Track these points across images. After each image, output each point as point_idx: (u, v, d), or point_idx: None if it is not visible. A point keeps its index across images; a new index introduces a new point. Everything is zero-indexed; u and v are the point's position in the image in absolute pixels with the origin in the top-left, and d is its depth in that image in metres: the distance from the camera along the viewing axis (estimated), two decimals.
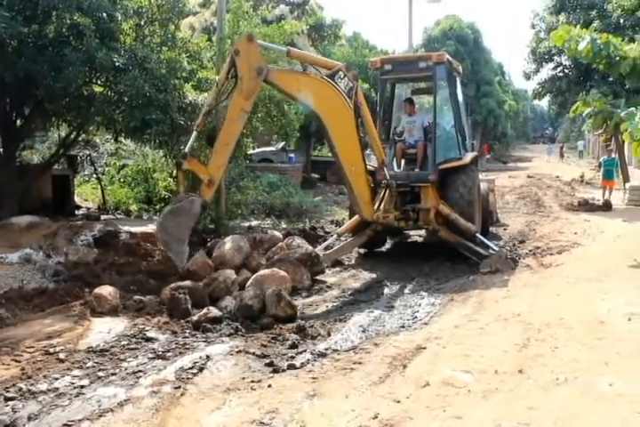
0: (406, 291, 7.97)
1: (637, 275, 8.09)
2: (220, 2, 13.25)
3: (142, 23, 11.21)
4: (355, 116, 8.69)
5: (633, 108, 7.34)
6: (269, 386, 4.70)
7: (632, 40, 9.86)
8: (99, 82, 10.67)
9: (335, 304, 7.41)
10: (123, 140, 14.41)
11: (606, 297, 6.95)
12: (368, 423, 4.01)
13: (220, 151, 8.22)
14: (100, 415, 4.21)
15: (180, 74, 10.93)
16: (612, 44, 9.75)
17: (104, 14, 10.12)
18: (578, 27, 11.41)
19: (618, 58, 9.73)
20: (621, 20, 17.11)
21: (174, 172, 12.27)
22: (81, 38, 9.83)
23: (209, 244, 9.45)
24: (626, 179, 19.19)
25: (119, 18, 10.59)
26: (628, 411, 4.07)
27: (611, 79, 16.09)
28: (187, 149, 8.26)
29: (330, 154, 22.20)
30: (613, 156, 18.38)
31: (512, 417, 4.05)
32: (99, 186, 15.15)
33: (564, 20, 18.43)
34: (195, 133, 8.43)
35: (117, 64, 9.89)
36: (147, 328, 6.19)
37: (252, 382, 4.80)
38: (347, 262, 9.88)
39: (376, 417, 4.08)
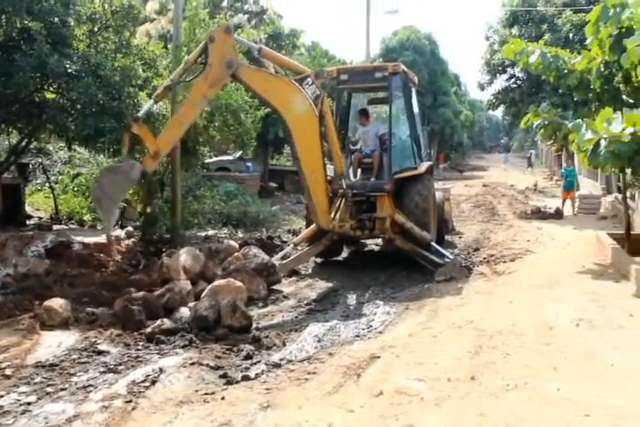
0: (362, 300, 8.01)
1: (585, 281, 8.33)
2: (177, 9, 13.14)
3: (96, 29, 11.04)
4: (320, 124, 8.71)
5: (579, 120, 7.55)
6: (223, 398, 4.66)
7: (580, 54, 10.18)
8: (51, 88, 10.45)
9: (291, 314, 7.41)
10: (77, 148, 14.14)
11: (556, 304, 7.13)
12: None
13: (173, 128, 8.21)
14: None
15: (135, 81, 10.79)
16: (561, 58, 10.07)
17: (56, 19, 9.92)
18: (530, 41, 11.79)
19: (566, 71, 10.05)
20: (570, 35, 17.68)
21: None
22: (32, 43, 9.62)
23: (164, 254, 9.33)
24: (577, 188, 19.71)
25: (72, 23, 10.39)
26: (574, 414, 4.17)
27: (561, 91, 16.57)
28: (140, 114, 8.21)
29: (288, 163, 22.23)
30: (571, 166, 18.28)
31: (463, 424, 4.11)
32: (51, 195, 14.80)
33: (516, 33, 18.95)
34: (152, 102, 8.48)
35: (70, 71, 9.69)
36: (98, 341, 6.09)
37: (206, 394, 4.76)
38: (303, 272, 9.88)
39: None
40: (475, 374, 4.99)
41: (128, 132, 8.15)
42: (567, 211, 16.66)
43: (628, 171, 9.11)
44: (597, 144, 6.81)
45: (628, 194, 11.25)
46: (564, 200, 17.48)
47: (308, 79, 8.55)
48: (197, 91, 8.19)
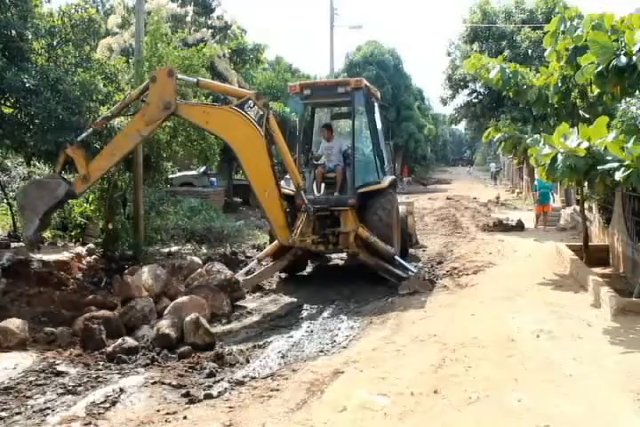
0: (326, 315, 8.02)
1: (545, 292, 8.48)
2: (138, 23, 13.07)
3: (55, 43, 10.88)
4: (267, 143, 8.80)
5: (537, 135, 7.74)
6: (185, 418, 4.59)
7: (538, 70, 10.45)
8: (7, 103, 10.26)
9: (255, 330, 7.36)
10: (37, 163, 13.88)
11: (517, 315, 7.23)
12: None
13: (105, 157, 8.66)
14: None
15: (96, 96, 10.67)
16: (520, 74, 10.33)
17: (13, 32, 9.78)
18: (490, 57, 12.07)
19: (525, 86, 10.30)
20: (529, 51, 18.14)
21: (90, 197, 11.91)
22: None
23: (126, 271, 9.18)
24: (536, 200, 20.08)
25: (30, 37, 10.25)
26: (534, 424, 4.23)
27: (520, 106, 16.98)
28: (79, 138, 8.69)
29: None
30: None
31: None
32: (9, 212, 14.46)
33: (477, 49, 19.36)
34: (90, 130, 8.82)
35: (28, 85, 9.54)
36: (57, 362, 5.95)
37: (167, 414, 4.69)
38: (267, 287, 9.85)
39: None
40: (438, 388, 5.02)
41: (64, 153, 8.65)
42: (531, 224, 16.74)
43: (585, 184, 9.34)
44: (554, 159, 6.96)
45: (585, 206, 11.54)
46: (537, 215, 16.77)
47: (250, 102, 8.66)
48: (133, 125, 8.61)
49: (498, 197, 25.12)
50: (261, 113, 8.66)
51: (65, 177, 9.00)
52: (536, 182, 16.54)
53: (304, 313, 8.15)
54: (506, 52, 17.93)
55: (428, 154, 48.50)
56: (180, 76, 8.97)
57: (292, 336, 6.95)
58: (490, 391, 4.89)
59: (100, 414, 4.69)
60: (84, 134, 8.80)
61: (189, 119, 9.13)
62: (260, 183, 8.81)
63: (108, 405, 4.86)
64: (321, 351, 6.35)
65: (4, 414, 4.69)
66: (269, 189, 8.82)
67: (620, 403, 4.60)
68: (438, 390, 4.97)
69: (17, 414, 4.70)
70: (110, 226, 11.40)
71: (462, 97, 21.69)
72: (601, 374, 5.20)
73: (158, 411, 4.76)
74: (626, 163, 6.41)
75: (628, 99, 8.77)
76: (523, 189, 27.06)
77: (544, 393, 4.83)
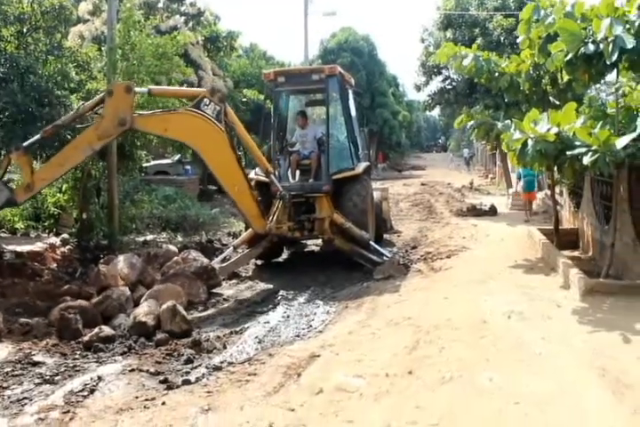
0: (302, 300, 8.10)
1: (517, 275, 8.67)
2: (110, 11, 12.89)
3: (25, 30, 10.71)
4: (229, 137, 8.85)
5: (508, 121, 7.87)
6: (163, 403, 4.65)
7: (510, 58, 10.56)
8: None
9: (232, 317, 7.42)
10: None
11: (489, 298, 7.38)
12: None
13: (52, 167, 8.44)
14: None
15: (68, 84, 10.54)
16: (493, 61, 10.44)
17: None
18: (462, 44, 12.14)
19: (497, 74, 10.42)
20: (502, 39, 18.27)
21: (63, 186, 11.80)
22: None
23: (101, 261, 9.16)
24: (509, 185, 20.37)
25: None
26: (505, 403, 4.37)
27: (493, 92, 17.14)
28: (25, 144, 8.34)
29: None
30: None
31: (401, 418, 4.24)
32: None
33: (450, 36, 19.43)
34: (39, 136, 8.42)
35: None
36: (33, 352, 5.95)
37: (146, 400, 4.74)
38: (244, 274, 9.89)
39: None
40: (412, 369, 5.14)
41: (6, 159, 8.39)
42: (504, 209, 16.87)
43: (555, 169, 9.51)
44: (525, 144, 7.09)
45: (557, 191, 11.74)
46: (525, 202, 15.82)
47: (205, 100, 8.64)
48: (84, 138, 8.37)
49: (471, 183, 25.37)
50: (218, 109, 8.63)
51: (7, 182, 8.69)
52: (520, 170, 15.58)
53: (280, 299, 8.20)
54: (479, 40, 18.02)
55: (403, 140, 48.64)
56: (138, 89, 8.89)
57: (268, 322, 7.03)
58: (462, 371, 5.02)
59: (78, 402, 4.71)
60: (31, 140, 8.46)
61: (147, 130, 9.22)
62: (229, 179, 8.88)
63: (86, 393, 4.89)
64: (297, 336, 6.44)
65: None
66: (238, 182, 8.88)
67: (586, 379, 4.76)
68: (412, 371, 5.09)
69: None
70: (84, 216, 11.35)
71: (436, 83, 21.79)
72: (569, 353, 5.37)
73: (137, 398, 4.80)
74: (593, 148, 6.58)
75: (597, 85, 8.94)
76: (496, 175, 27.36)
77: (514, 372, 4.97)
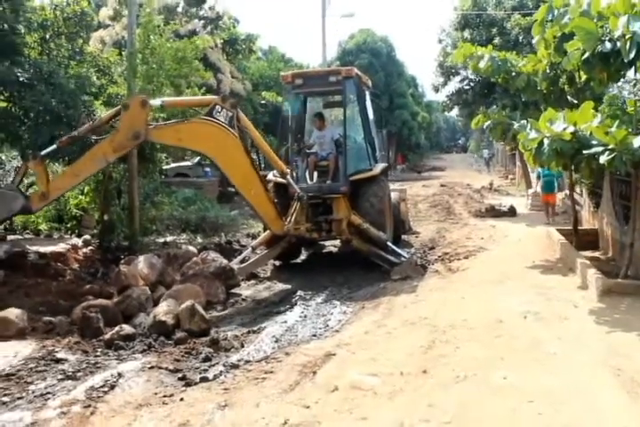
0: (319, 300, 8.16)
1: (534, 276, 8.66)
2: (130, 16, 13.09)
3: (48, 37, 10.95)
4: (243, 142, 9.00)
5: (524, 121, 7.87)
6: (181, 399, 4.74)
7: (527, 57, 10.53)
8: (1, 97, 10.34)
9: (250, 316, 7.50)
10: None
11: (506, 298, 7.41)
12: None
13: (67, 177, 8.68)
14: None
15: (90, 89, 10.76)
16: (509, 61, 10.43)
17: (5, 26, 9.84)
18: (480, 44, 12.13)
19: (514, 73, 10.41)
20: (520, 38, 18.16)
21: (85, 189, 12.01)
22: None
23: (122, 261, 9.31)
24: (528, 185, 20.24)
25: (22, 31, 10.31)
26: (519, 401, 4.39)
27: (512, 92, 17.06)
28: (43, 153, 8.57)
29: None
30: None
31: (414, 415, 4.28)
32: None
33: (467, 36, 19.35)
34: (55, 146, 8.67)
35: (21, 79, 9.62)
36: (56, 349, 6.07)
37: (164, 396, 4.83)
38: (262, 275, 9.98)
39: (285, 423, 4.22)
40: (426, 368, 5.18)
41: (24, 166, 8.63)
42: (524, 209, 16.79)
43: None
44: (541, 143, 7.10)
45: (577, 190, 11.68)
46: (546, 206, 15.03)
47: (217, 107, 8.74)
48: (100, 150, 8.54)
49: (491, 184, 25.26)
50: (230, 115, 8.75)
51: (23, 190, 8.93)
52: (539, 169, 14.73)
53: (298, 299, 8.25)
54: (496, 40, 17.95)
55: (422, 141, 48.57)
56: (154, 102, 9.01)
57: (285, 321, 7.10)
58: (477, 370, 5.05)
59: (99, 397, 4.83)
60: (47, 149, 8.65)
61: (162, 141, 9.43)
62: (245, 184, 8.98)
63: (106, 389, 4.99)
64: (314, 335, 6.50)
65: (5, 399, 4.82)
66: (254, 187, 9.00)
67: (600, 378, 4.78)
68: (427, 370, 5.13)
69: (19, 398, 4.84)
70: (106, 217, 11.54)
71: (454, 84, 21.70)
72: (584, 352, 5.38)
73: (156, 394, 4.91)
74: (610, 146, 6.56)
75: (619, 83, 8.87)
76: (516, 175, 27.18)
77: (529, 371, 5.00)
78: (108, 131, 9.19)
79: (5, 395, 4.91)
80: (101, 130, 9.16)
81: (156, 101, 9.20)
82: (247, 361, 5.65)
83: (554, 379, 4.79)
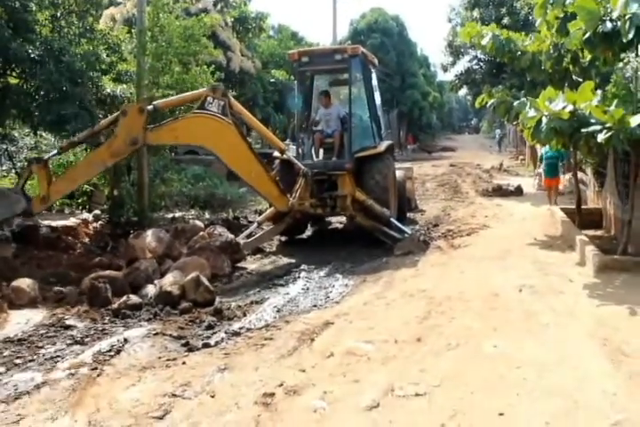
0: (322, 274, 8.35)
1: (534, 252, 8.80)
2: None
3: (59, 14, 11.06)
4: (239, 128, 9.19)
5: (524, 99, 7.92)
6: (184, 363, 4.97)
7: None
8: (14, 74, 10.50)
9: (254, 289, 7.67)
10: (43, 133, 14.16)
11: (503, 273, 7.58)
12: (274, 391, 4.33)
13: (66, 181, 9.12)
14: (17, 398, 4.37)
15: (99, 66, 10.90)
16: (513, 41, 10.44)
17: (17, 4, 9.95)
18: (488, 23, 12.10)
19: (519, 53, 10.42)
20: (529, 18, 18.03)
21: None
22: None
23: (132, 235, 9.52)
24: (536, 166, 20.21)
25: (33, 8, 10.42)
26: (507, 367, 4.58)
27: (517, 71, 16.97)
28: (46, 157, 9.18)
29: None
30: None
31: (405, 379, 4.47)
32: (18, 181, 14.80)
33: (477, 16, 19.26)
34: (56, 151, 9.45)
35: (33, 56, 9.77)
36: (66, 317, 6.30)
37: (168, 360, 5.06)
38: (268, 250, 10.17)
39: (281, 385, 4.42)
40: (421, 336, 5.37)
41: (28, 170, 9.01)
42: (531, 189, 16.82)
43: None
44: (540, 121, 7.17)
45: (586, 171, 11.71)
46: (549, 190, 13.83)
47: (208, 98, 8.90)
48: (98, 155, 8.91)
49: (501, 164, 25.24)
50: (222, 103, 8.89)
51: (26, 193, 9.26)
52: (542, 150, 13.58)
53: (301, 273, 8.45)
54: (505, 19, 17.84)
55: (434, 121, 48.31)
56: (155, 106, 9.18)
57: (288, 293, 7.31)
58: (469, 339, 5.24)
59: (105, 360, 5.06)
60: (50, 154, 9.39)
61: (160, 143, 9.75)
62: (244, 169, 9.14)
63: (113, 353, 5.23)
64: (314, 306, 6.70)
65: (18, 361, 5.08)
66: (254, 169, 9.14)
67: (587, 348, 4.94)
68: (421, 339, 5.32)
69: (30, 361, 5.09)
70: (115, 193, 11.77)
71: (463, 64, 21.66)
72: (575, 324, 5.55)
73: (159, 358, 5.13)
74: (607, 125, 6.63)
75: (626, 60, 8.85)
76: (526, 156, 27.12)
77: (519, 341, 5.17)
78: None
79: (18, 358, 5.16)
80: (100, 135, 9.61)
81: (149, 106, 9.20)
82: (248, 329, 5.86)
83: (542, 348, 4.97)
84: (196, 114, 8.97)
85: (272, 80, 25.03)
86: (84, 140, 9.28)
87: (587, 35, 7.11)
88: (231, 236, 9.14)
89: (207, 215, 13.00)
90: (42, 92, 10.01)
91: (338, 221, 12.34)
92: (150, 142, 9.15)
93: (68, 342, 5.58)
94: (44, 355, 5.24)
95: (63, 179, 9.20)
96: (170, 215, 12.42)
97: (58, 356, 5.22)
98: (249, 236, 9.99)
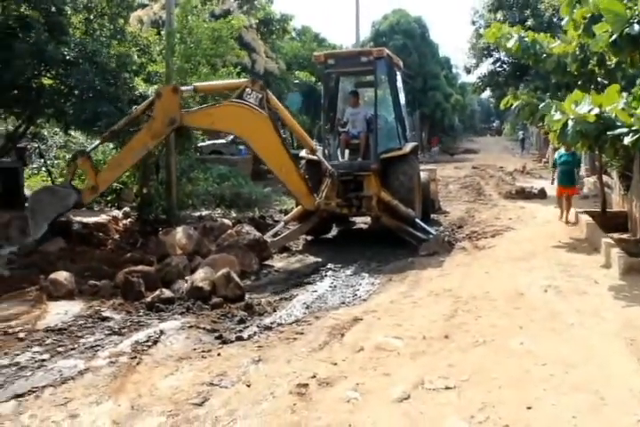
0: (348, 272, 8.49)
1: (559, 254, 8.86)
2: None
3: (92, 17, 11.37)
4: (273, 122, 9.37)
5: (549, 101, 7.97)
6: (219, 355, 5.15)
7: (559, 38, 10.54)
8: (48, 75, 10.80)
9: (281, 286, 7.85)
10: (72, 132, 14.49)
11: (528, 273, 7.66)
12: (307, 382, 4.50)
13: (112, 169, 9.37)
14: (63, 383, 4.59)
15: (131, 67, 11.17)
16: (538, 42, 10.48)
17: (52, 8, 10.26)
18: (512, 25, 12.15)
19: (544, 55, 10.46)
20: (553, 19, 18.04)
21: None
22: (29, 30, 9.94)
23: (161, 232, 9.76)
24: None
25: (68, 11, 10.74)
26: (533, 364, 4.69)
27: (542, 74, 16.96)
28: (88, 150, 9.49)
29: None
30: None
31: (434, 373, 4.61)
32: (49, 178, 15.15)
33: (501, 18, 19.27)
34: (98, 142, 9.80)
35: (67, 57, 10.05)
36: (102, 309, 6.53)
37: (203, 351, 5.25)
38: (294, 249, 10.33)
39: (314, 377, 4.58)
40: (448, 333, 5.50)
41: (73, 164, 9.31)
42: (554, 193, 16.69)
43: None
44: (565, 124, 7.24)
45: (611, 174, 11.70)
46: (559, 200, 12.14)
47: (247, 90, 9.14)
48: (139, 140, 9.16)
49: (524, 167, 25.16)
50: (260, 96, 9.13)
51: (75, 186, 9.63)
52: (556, 155, 12.01)
53: (328, 271, 8.61)
54: (529, 21, 17.86)
55: (456, 123, 48.17)
56: (183, 88, 9.47)
57: (315, 291, 7.47)
58: (495, 337, 5.37)
59: (143, 350, 5.27)
60: (93, 145, 9.75)
61: (196, 126, 9.93)
62: (276, 162, 9.37)
63: (150, 343, 5.44)
64: (342, 303, 6.86)
65: (61, 349, 5.31)
66: (285, 164, 9.37)
67: (613, 347, 5.03)
68: (448, 336, 5.45)
69: (72, 349, 5.32)
70: (144, 191, 12.02)
71: (486, 66, 21.67)
72: (600, 324, 5.63)
73: (195, 349, 5.33)
74: (634, 128, 6.68)
75: None
76: (549, 159, 26.98)
77: (545, 339, 5.28)
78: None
79: (60, 346, 5.40)
80: (138, 121, 9.77)
81: (188, 87, 9.65)
82: (279, 324, 6.04)
83: (568, 346, 5.07)
84: (233, 103, 9.19)
85: (296, 81, 25.25)
86: (123, 129, 9.51)
87: (613, 37, 7.16)
88: (259, 234, 9.32)
89: (233, 214, 13.21)
90: (76, 92, 10.29)
91: (362, 222, 12.47)
92: (186, 123, 9.37)
93: (106, 332, 5.80)
94: (84, 344, 5.47)
95: (109, 167, 9.50)
96: (197, 214, 12.66)
97: (98, 345, 5.43)
98: (275, 235, 10.17)
